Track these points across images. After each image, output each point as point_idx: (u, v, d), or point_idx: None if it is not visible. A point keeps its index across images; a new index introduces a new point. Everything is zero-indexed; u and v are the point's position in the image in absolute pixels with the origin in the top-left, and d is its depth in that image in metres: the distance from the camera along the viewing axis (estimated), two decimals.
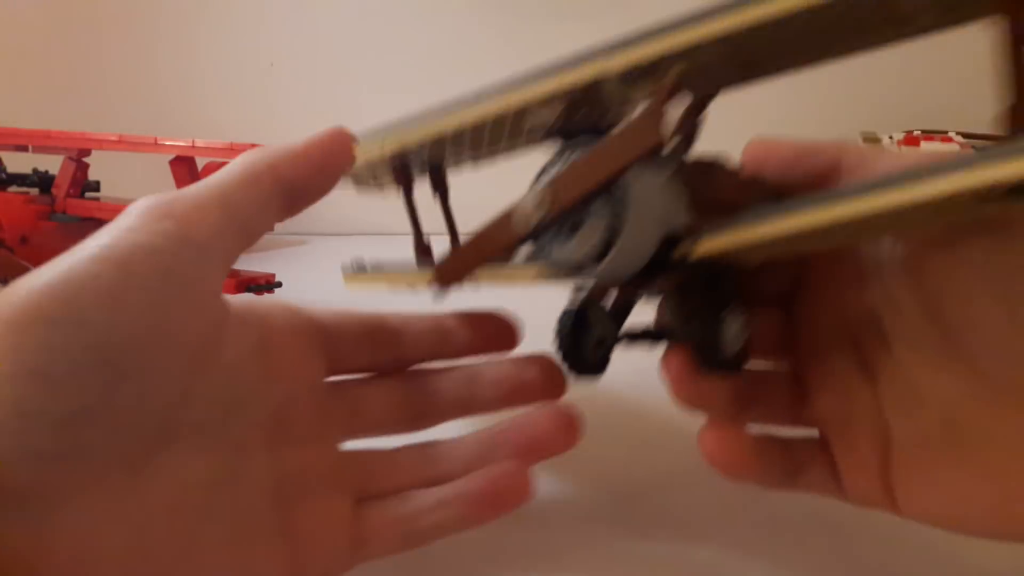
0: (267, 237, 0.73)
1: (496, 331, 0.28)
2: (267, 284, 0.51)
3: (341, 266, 0.32)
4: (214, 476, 0.21)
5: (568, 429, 0.27)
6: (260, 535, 0.22)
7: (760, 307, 0.28)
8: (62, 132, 0.51)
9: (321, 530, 0.23)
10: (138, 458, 0.19)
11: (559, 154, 0.23)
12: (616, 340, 0.26)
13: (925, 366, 0.23)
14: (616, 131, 0.20)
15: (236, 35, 0.77)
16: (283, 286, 0.52)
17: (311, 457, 0.24)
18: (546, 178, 0.22)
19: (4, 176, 0.53)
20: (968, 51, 0.86)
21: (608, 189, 0.21)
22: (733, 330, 0.23)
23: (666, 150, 0.21)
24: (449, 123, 0.24)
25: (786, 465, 0.26)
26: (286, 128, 0.80)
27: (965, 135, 0.59)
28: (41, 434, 0.17)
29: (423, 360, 0.28)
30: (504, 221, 0.22)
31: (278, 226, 0.52)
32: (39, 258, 0.45)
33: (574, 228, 0.22)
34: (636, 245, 0.21)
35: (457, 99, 0.24)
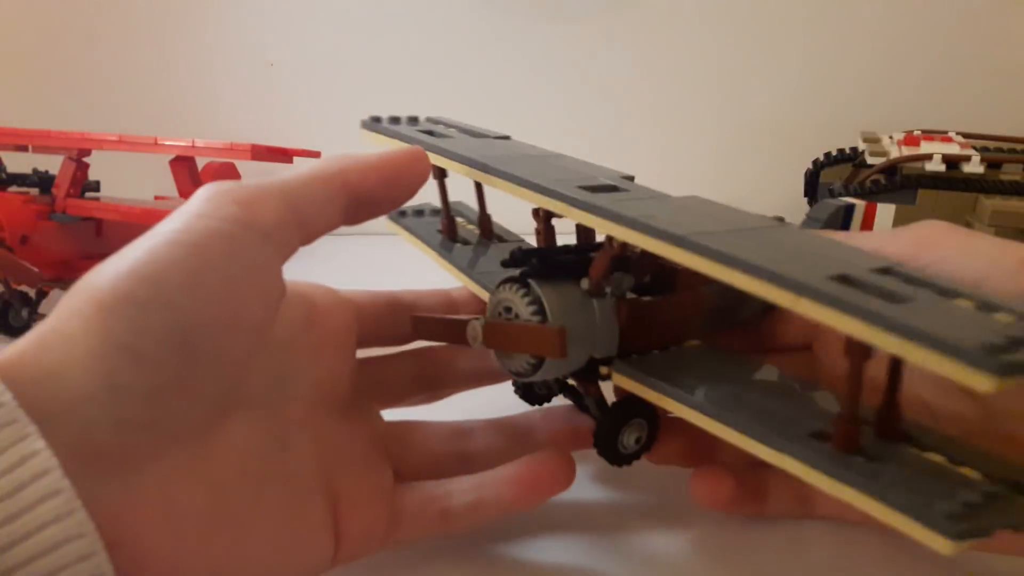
0: None
1: None
2: None
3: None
4: (268, 445, 0.23)
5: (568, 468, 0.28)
6: (308, 501, 0.23)
7: (786, 352, 0.31)
8: (62, 132, 0.51)
9: (362, 498, 0.25)
10: (208, 427, 0.21)
11: (506, 282, 0.26)
12: (560, 388, 0.31)
13: (936, 391, 0.24)
14: (531, 323, 0.25)
15: (236, 35, 0.77)
16: None
17: (351, 427, 0.26)
18: (494, 299, 0.27)
19: (4, 176, 0.53)
20: (968, 51, 0.86)
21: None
22: (630, 440, 0.27)
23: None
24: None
25: (797, 494, 0.27)
26: (286, 128, 0.80)
27: (965, 135, 0.59)
28: (129, 405, 0.18)
29: None
30: (461, 327, 0.26)
31: None
32: (39, 258, 0.44)
33: None
34: (564, 363, 0.26)
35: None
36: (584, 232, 0.29)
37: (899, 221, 0.54)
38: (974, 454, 0.20)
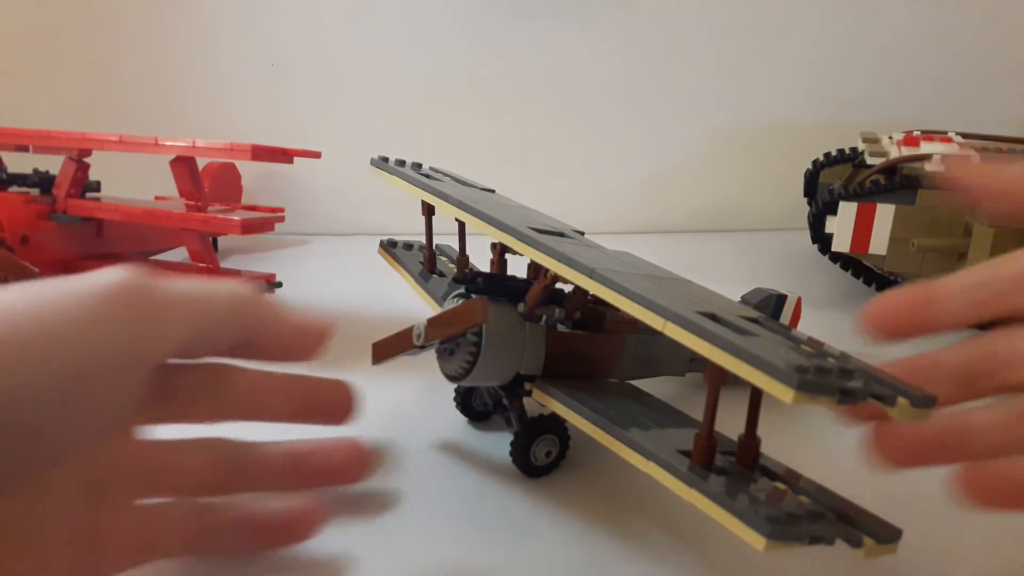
0: (268, 237, 0.72)
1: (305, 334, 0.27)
2: (268, 284, 0.51)
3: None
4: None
5: (363, 462, 0.27)
6: (58, 537, 0.21)
7: None
8: (62, 132, 0.51)
9: (117, 529, 0.23)
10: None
11: (452, 295, 0.31)
12: (495, 405, 0.34)
13: None
14: (456, 308, 0.28)
15: (237, 35, 0.78)
16: (283, 286, 0.53)
17: (111, 449, 0.23)
18: (443, 308, 0.31)
19: (4, 176, 0.53)
20: (968, 51, 0.86)
21: (476, 330, 0.29)
22: (541, 453, 0.32)
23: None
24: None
25: None
26: (287, 128, 0.80)
27: (964, 135, 0.59)
28: None
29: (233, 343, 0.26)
30: (407, 333, 0.29)
31: (279, 226, 0.53)
32: (39, 258, 0.44)
33: (452, 351, 0.30)
34: (492, 371, 0.30)
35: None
36: (534, 270, 0.33)
37: (899, 221, 0.54)
38: (816, 489, 0.23)
